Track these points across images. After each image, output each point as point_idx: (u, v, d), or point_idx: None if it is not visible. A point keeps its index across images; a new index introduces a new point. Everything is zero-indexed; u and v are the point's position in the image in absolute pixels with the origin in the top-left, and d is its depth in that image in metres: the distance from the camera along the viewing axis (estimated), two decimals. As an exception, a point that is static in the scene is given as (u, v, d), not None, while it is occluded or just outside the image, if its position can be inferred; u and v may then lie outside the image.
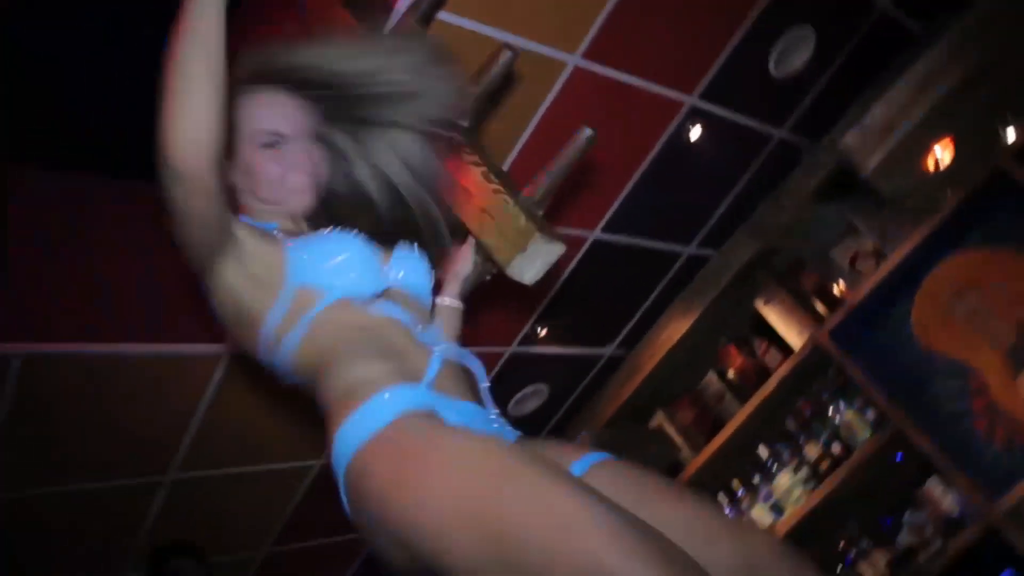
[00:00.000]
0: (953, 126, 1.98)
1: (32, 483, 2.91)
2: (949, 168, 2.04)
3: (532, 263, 1.68)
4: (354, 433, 1.35)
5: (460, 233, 1.79)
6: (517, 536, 1.16)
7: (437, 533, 1.22)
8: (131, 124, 2.59)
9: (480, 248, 1.75)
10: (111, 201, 2.70)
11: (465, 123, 1.90)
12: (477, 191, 1.72)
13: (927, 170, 2.01)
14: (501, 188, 1.72)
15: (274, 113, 1.64)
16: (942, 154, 2.00)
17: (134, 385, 2.82)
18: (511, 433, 1.54)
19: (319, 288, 1.50)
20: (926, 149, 1.94)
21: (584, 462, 1.47)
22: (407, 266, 1.67)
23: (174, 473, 3.21)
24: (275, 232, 1.59)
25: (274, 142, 1.63)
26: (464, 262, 1.82)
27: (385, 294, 1.60)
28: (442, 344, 1.56)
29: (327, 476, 3.72)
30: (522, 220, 1.67)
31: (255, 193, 1.65)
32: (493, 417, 1.53)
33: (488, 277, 1.83)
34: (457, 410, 1.42)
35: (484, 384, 1.59)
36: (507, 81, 2.24)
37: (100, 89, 2.50)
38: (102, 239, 2.64)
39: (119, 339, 2.68)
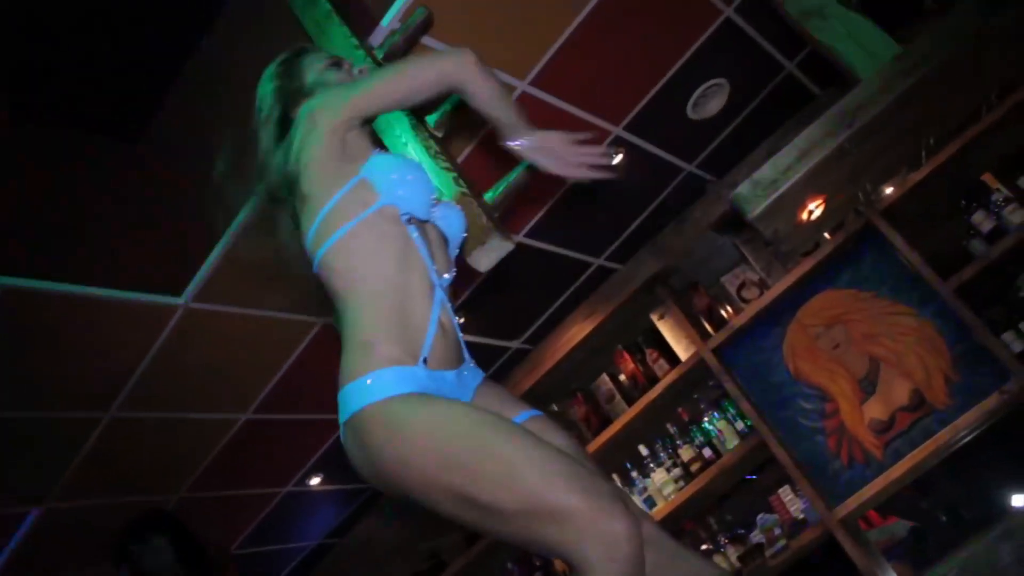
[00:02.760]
0: (824, 187, 2.45)
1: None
2: (819, 219, 2.51)
3: (488, 255, 2.06)
4: (354, 398, 1.65)
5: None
6: (476, 484, 1.52)
7: (421, 485, 1.58)
8: (121, 85, 2.88)
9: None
10: (95, 160, 2.97)
11: (439, 134, 2.28)
12: (447, 192, 2.09)
13: (801, 220, 2.47)
14: (468, 192, 2.10)
15: None
16: (815, 208, 2.46)
17: (93, 326, 3.05)
18: (478, 375, 1.90)
19: (378, 190, 1.78)
20: (802, 203, 2.40)
21: (523, 416, 1.84)
22: (450, 214, 1.98)
23: (113, 412, 3.45)
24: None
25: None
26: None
27: (424, 227, 1.86)
28: (443, 295, 1.83)
29: (249, 429, 3.99)
30: (484, 219, 2.05)
31: None
32: (466, 371, 1.86)
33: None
34: (437, 381, 1.72)
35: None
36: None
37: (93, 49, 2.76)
38: (82, 192, 2.89)
39: (86, 281, 2.91)
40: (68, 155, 2.84)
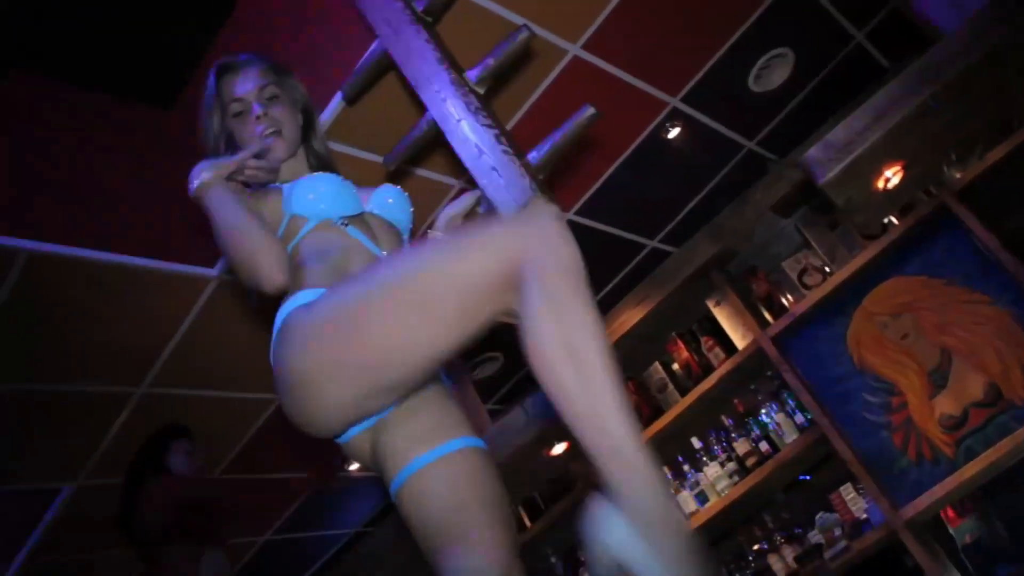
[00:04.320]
0: (904, 154, 2.23)
1: (10, 377, 3.03)
2: (896, 189, 2.29)
3: (530, 219, 1.88)
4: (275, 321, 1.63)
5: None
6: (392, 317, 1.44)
7: (325, 366, 1.51)
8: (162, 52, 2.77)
9: (485, 201, 1.95)
10: (131, 125, 2.86)
11: (481, 91, 2.11)
12: (489, 151, 1.92)
13: (877, 189, 2.25)
14: (510, 151, 1.93)
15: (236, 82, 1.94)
16: (892, 176, 2.24)
17: (125, 295, 2.96)
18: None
19: (304, 214, 1.78)
20: (878, 170, 2.18)
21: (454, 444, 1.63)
22: (387, 197, 1.93)
23: (146, 387, 3.35)
24: (274, 186, 1.88)
25: (239, 111, 1.92)
26: (462, 204, 2.01)
27: (363, 221, 1.84)
28: None
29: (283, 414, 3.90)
30: (526, 180, 1.88)
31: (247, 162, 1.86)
32: None
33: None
34: None
35: None
36: (520, 58, 2.45)
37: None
38: (119, 158, 2.79)
39: (119, 249, 2.82)
40: (102, 119, 2.73)
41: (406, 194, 1.99)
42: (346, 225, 1.80)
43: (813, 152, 2.10)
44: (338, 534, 5.37)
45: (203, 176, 1.77)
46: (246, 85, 1.94)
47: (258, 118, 1.90)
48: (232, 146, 1.93)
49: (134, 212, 2.82)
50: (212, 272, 3.06)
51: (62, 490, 3.63)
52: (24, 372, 3.03)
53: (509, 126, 3.12)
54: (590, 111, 1.97)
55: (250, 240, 1.66)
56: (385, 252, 1.81)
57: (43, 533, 3.77)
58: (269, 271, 1.63)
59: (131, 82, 2.87)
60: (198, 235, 2.97)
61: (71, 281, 2.79)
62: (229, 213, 1.70)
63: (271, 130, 1.89)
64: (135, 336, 3.15)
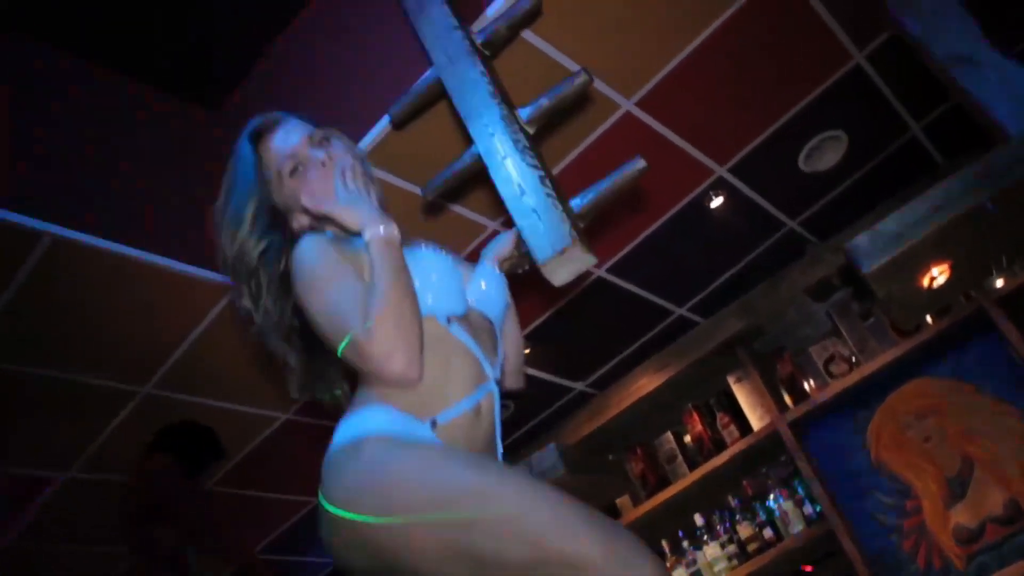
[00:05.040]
0: (955, 253, 2.15)
1: (18, 359, 2.98)
2: (941, 288, 2.21)
3: (565, 268, 1.82)
4: (339, 433, 1.51)
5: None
6: (475, 530, 1.29)
7: (402, 536, 1.34)
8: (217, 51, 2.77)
9: (522, 243, 1.89)
10: (174, 123, 2.85)
11: (531, 131, 2.07)
12: (531, 192, 1.86)
13: (921, 285, 2.18)
14: (553, 194, 1.87)
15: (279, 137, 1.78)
16: (938, 275, 2.17)
17: (143, 292, 2.90)
18: None
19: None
20: (926, 266, 2.11)
21: None
22: (486, 284, 1.82)
23: (151, 388, 3.29)
24: (359, 244, 1.62)
25: (293, 168, 1.74)
26: (507, 246, 1.94)
27: (465, 318, 1.66)
28: (493, 384, 1.64)
29: (287, 431, 3.83)
30: (567, 227, 1.82)
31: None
32: None
33: (521, 271, 1.96)
34: None
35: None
36: (574, 103, 2.41)
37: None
38: (157, 155, 2.77)
39: (143, 245, 2.77)
40: (145, 112, 2.73)
41: (502, 277, 1.88)
42: (449, 324, 1.60)
43: (861, 239, 2.03)
44: (323, 562, 5.26)
45: (392, 231, 1.57)
46: (292, 137, 1.77)
47: (324, 163, 1.72)
48: (280, 215, 1.75)
49: (164, 210, 2.78)
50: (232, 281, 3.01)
51: (52, 479, 3.56)
52: (32, 356, 2.97)
53: (554, 172, 3.08)
54: (640, 164, 1.91)
55: (406, 318, 1.46)
56: (489, 358, 1.64)
57: (29, 521, 3.71)
58: (408, 363, 1.44)
59: (180, 78, 2.87)
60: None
61: (92, 271, 2.74)
62: (405, 279, 1.52)
63: (357, 173, 1.71)
64: (147, 335, 3.10)
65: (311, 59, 2.84)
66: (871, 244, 2.10)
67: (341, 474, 1.43)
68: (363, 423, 1.47)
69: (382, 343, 1.43)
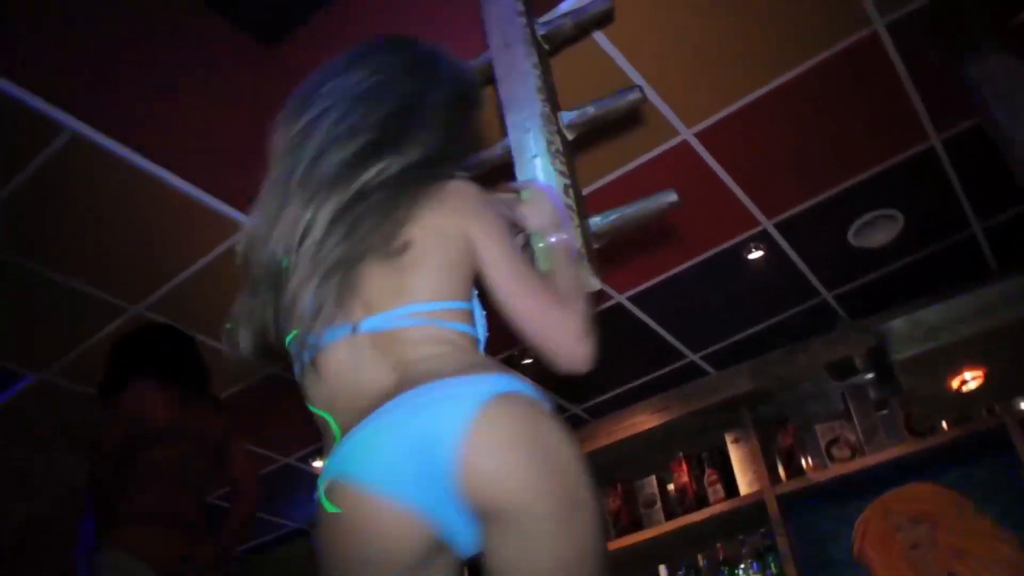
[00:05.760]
0: (993, 362, 2.01)
1: (16, 250, 2.91)
2: (969, 395, 2.07)
3: (567, 284, 1.71)
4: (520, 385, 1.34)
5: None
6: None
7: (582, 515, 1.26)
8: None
9: (528, 247, 1.78)
10: (228, 50, 2.74)
11: (570, 137, 1.95)
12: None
13: (949, 386, 2.04)
14: (573, 207, 1.75)
15: None
16: (970, 380, 2.03)
17: (154, 211, 2.83)
18: None
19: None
20: (960, 368, 1.97)
21: None
22: None
23: (143, 308, 3.22)
24: None
25: None
26: None
27: None
28: None
29: (272, 383, 3.73)
30: (579, 243, 1.70)
31: None
32: None
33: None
34: None
35: None
36: (622, 119, 2.29)
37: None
38: (204, 78, 2.66)
39: (166, 164, 2.70)
40: (200, 34, 2.61)
41: None
42: None
43: (898, 325, 1.90)
44: (283, 524, 5.18)
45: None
46: None
47: None
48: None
49: (197, 135, 2.69)
50: (247, 219, 2.93)
51: (26, 377, 3.50)
52: (29, 250, 2.90)
53: (594, 187, 2.96)
54: (672, 197, 1.79)
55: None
56: None
57: (-8, 414, 3.67)
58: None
59: (242, 7, 2.77)
60: (250, 178, 2.85)
61: (108, 178, 2.66)
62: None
63: None
64: (149, 255, 3.02)
65: (371, 18, 2.73)
66: (907, 331, 1.97)
67: (549, 421, 1.29)
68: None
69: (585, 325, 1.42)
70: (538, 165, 1.79)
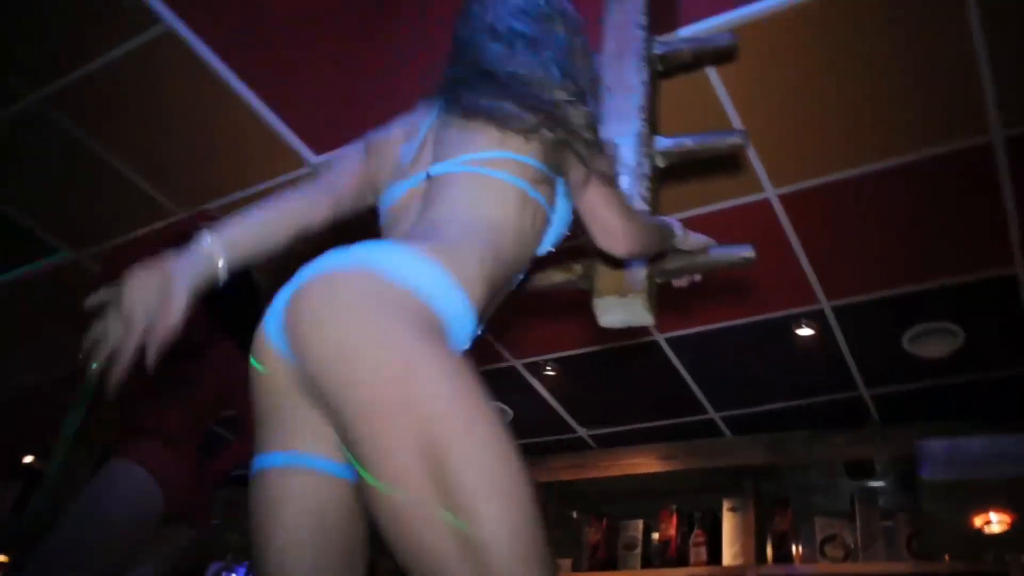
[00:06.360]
0: (1021, 511, 1.91)
1: (81, 125, 2.89)
2: (988, 535, 1.97)
3: (618, 313, 1.65)
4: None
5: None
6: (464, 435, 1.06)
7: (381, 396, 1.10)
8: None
9: (590, 267, 1.72)
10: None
11: (661, 164, 1.88)
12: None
13: (971, 521, 1.94)
14: (644, 235, 1.68)
15: None
16: (995, 522, 1.92)
17: (227, 128, 2.81)
18: None
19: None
20: (988, 506, 1.87)
21: None
22: None
23: (185, 215, 3.19)
24: None
25: None
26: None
27: None
28: None
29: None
30: (642, 274, 1.63)
31: None
32: None
33: (576, 286, 1.79)
34: None
35: None
36: (716, 159, 2.22)
37: None
38: (319, 17, 2.59)
39: (251, 83, 2.66)
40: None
41: None
42: None
43: (937, 445, 1.81)
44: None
45: None
46: None
47: None
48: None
49: (294, 73, 2.62)
50: (312, 158, 2.88)
51: (57, 253, 3.50)
52: (98, 131, 2.89)
53: (683, 214, 2.89)
54: (748, 252, 1.71)
55: None
56: None
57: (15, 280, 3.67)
58: None
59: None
60: (332, 131, 2.81)
61: (189, 82, 2.62)
62: None
63: None
64: (209, 167, 2.98)
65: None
66: (946, 454, 1.88)
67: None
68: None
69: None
70: (623, 184, 1.72)
